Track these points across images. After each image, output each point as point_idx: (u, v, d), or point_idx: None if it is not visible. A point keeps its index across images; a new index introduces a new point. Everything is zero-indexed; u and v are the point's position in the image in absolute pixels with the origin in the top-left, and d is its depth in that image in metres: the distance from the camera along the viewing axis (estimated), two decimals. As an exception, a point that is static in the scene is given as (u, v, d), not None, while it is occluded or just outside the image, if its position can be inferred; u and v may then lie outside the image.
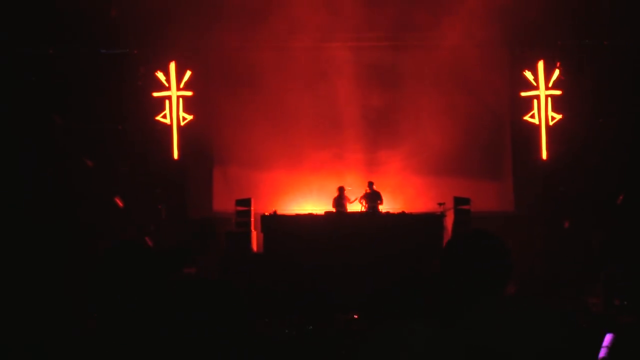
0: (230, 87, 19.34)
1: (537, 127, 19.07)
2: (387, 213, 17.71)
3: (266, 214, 17.80)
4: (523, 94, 19.13)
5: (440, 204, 17.53)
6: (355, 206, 18.40)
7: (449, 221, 17.44)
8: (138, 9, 17.27)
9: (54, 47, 18.25)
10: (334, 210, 18.12)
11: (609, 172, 18.37)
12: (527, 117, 19.14)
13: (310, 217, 17.74)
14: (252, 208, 17.99)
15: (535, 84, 19.03)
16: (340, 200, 18.06)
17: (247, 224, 17.84)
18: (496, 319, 2.98)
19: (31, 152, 16.97)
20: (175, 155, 19.16)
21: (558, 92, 18.82)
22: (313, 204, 18.54)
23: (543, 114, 19.00)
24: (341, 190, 18.03)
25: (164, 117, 19.12)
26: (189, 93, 19.09)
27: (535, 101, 19.03)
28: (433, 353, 2.89)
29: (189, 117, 19.17)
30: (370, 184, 17.83)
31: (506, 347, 2.86)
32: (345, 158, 19.08)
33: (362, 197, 17.93)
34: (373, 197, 17.78)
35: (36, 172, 16.66)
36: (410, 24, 18.33)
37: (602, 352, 5.14)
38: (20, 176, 16.36)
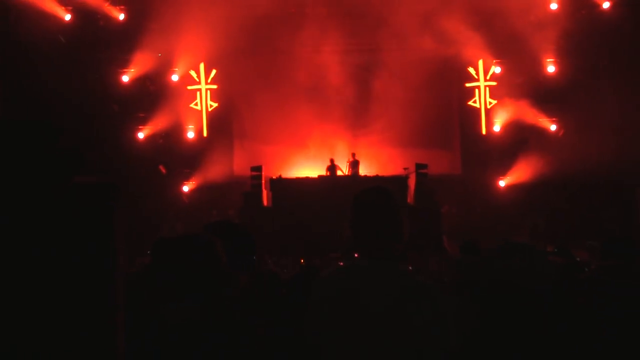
0: (247, 81, 20.62)
1: (478, 110, 20.57)
2: (365, 176, 18.79)
3: (274, 177, 19.09)
4: (467, 84, 20.65)
5: (405, 169, 18.75)
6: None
7: (411, 182, 18.64)
8: (176, 22, 18.62)
9: (109, 52, 19.42)
10: (326, 174, 19.13)
11: (533, 143, 19.70)
12: (470, 102, 20.66)
13: (307, 179, 19.00)
14: (263, 173, 19.09)
15: (476, 77, 20.51)
16: (332, 168, 19.33)
17: (259, 185, 19.00)
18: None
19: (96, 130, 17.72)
20: (205, 133, 20.55)
21: (494, 83, 20.37)
22: (309, 170, 19.71)
23: (483, 99, 20.53)
24: (332, 160, 19.28)
25: (196, 104, 20.57)
26: (215, 86, 20.58)
27: (476, 90, 20.55)
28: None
29: (215, 105, 20.63)
30: (353, 154, 19.18)
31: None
32: (335, 135, 20.33)
33: (347, 163, 19.11)
34: (355, 164, 19.14)
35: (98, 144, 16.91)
36: (383, 34, 19.37)
37: None
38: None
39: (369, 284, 2.88)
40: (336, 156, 19.60)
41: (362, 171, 19.37)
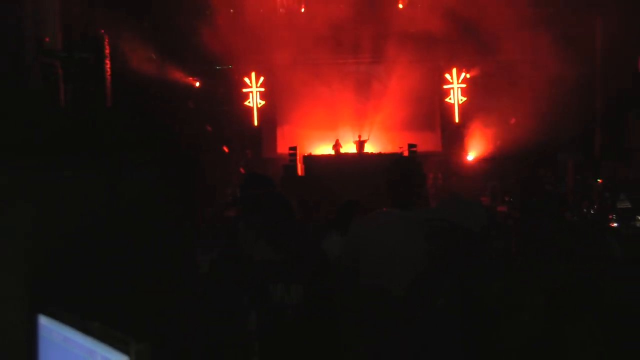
0: (286, 85, 21.96)
1: (452, 105, 22.62)
2: (371, 153, 20.49)
3: (306, 154, 20.65)
4: (445, 86, 22.59)
5: (400, 147, 20.02)
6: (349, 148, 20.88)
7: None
8: (232, 43, 19.67)
9: (190, 66, 21.15)
10: (333, 150, 20.65)
11: (491, 127, 21.21)
12: (447, 99, 22.64)
13: (330, 156, 20.71)
14: (297, 151, 20.71)
15: (451, 81, 22.42)
16: (336, 146, 20.90)
17: (295, 160, 20.57)
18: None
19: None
20: (256, 123, 22.64)
21: (464, 86, 22.35)
22: (331, 149, 21.12)
23: (456, 97, 22.48)
24: (337, 140, 21.03)
25: (249, 103, 22.55)
26: (263, 89, 22.55)
27: (452, 90, 22.48)
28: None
29: (263, 102, 22.62)
30: (360, 136, 21.00)
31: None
32: (349, 122, 21.69)
33: (356, 142, 20.78)
34: (362, 144, 21.00)
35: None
36: (382, 49, 20.94)
37: None
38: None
39: (391, 223, 3.33)
40: (347, 137, 21.23)
41: (367, 149, 20.86)
